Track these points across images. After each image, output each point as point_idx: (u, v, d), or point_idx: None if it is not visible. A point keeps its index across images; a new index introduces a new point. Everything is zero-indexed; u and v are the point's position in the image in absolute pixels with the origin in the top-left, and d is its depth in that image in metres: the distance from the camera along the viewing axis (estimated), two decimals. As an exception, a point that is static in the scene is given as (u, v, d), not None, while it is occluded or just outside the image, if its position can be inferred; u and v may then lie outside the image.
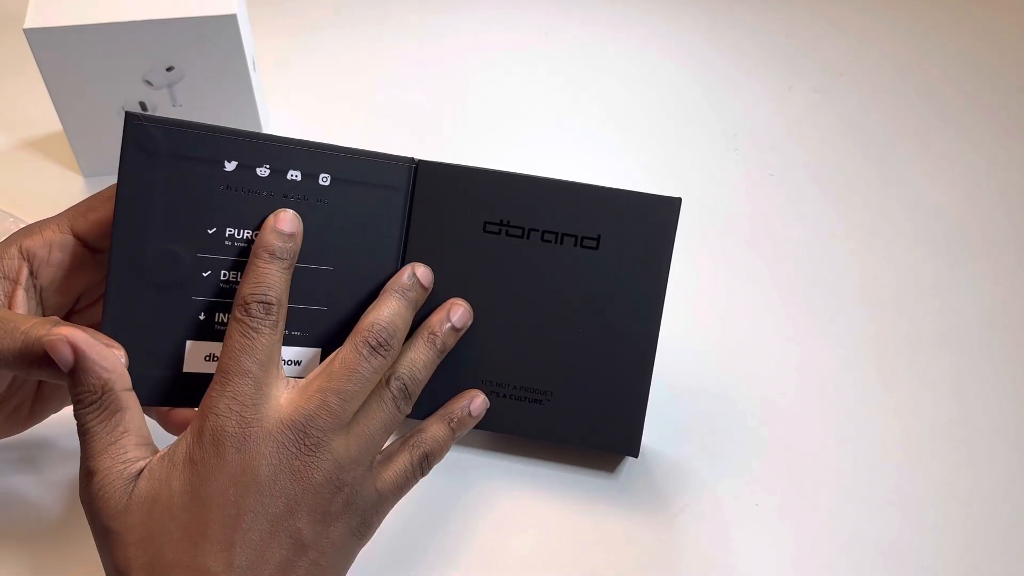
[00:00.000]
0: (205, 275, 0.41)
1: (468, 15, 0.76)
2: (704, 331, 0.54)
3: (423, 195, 0.44)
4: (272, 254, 0.39)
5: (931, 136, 0.68)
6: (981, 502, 0.48)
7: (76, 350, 0.35)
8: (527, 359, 0.45)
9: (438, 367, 0.44)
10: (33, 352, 0.36)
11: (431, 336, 0.43)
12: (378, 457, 0.41)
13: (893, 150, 0.66)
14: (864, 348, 0.54)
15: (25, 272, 0.40)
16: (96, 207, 0.41)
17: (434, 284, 0.44)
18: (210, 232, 0.41)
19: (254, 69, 0.60)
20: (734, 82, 0.71)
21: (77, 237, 0.41)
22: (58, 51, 0.54)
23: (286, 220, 0.40)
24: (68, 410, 0.46)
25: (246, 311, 0.38)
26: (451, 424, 0.44)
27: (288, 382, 0.39)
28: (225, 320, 0.41)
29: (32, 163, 0.63)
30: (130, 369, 0.38)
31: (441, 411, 0.44)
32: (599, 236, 0.44)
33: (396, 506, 0.42)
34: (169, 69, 0.56)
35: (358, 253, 0.43)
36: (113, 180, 0.40)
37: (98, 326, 0.39)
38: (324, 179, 0.42)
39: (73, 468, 0.47)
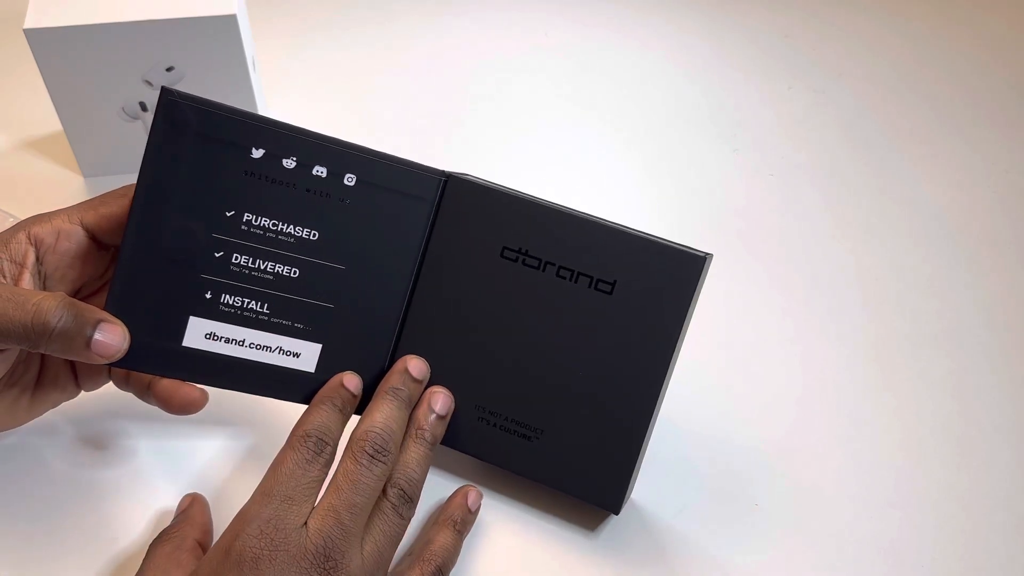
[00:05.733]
0: (217, 256, 0.42)
1: (468, 16, 0.76)
2: (703, 331, 0.54)
3: (448, 210, 0.43)
4: (333, 402, 0.41)
5: (930, 136, 0.68)
6: (981, 502, 0.48)
7: (191, 504, 0.44)
8: (523, 393, 0.44)
9: (433, 379, 0.44)
10: (42, 324, 0.37)
11: (419, 432, 0.42)
12: None
13: (893, 150, 0.67)
14: (864, 348, 0.54)
15: (32, 257, 0.41)
16: (108, 202, 0.42)
17: (445, 301, 0.44)
18: (228, 215, 0.42)
19: (254, 69, 0.60)
20: (734, 82, 0.71)
21: (86, 229, 0.42)
22: (58, 51, 0.54)
23: (352, 379, 0.42)
24: (70, 403, 0.46)
25: (304, 443, 0.39)
26: (456, 527, 0.44)
27: None
28: (231, 302, 0.42)
29: (32, 163, 0.63)
30: (131, 335, 0.40)
31: (442, 516, 0.44)
32: (615, 282, 0.42)
33: None
34: (169, 69, 0.56)
35: (373, 257, 0.43)
36: (115, 181, 0.40)
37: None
38: (349, 179, 0.43)
39: (74, 461, 0.47)
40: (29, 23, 0.53)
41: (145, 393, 0.44)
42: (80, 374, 0.45)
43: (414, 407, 0.43)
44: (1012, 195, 0.63)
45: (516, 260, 0.43)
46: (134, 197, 0.41)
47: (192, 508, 0.43)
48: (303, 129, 0.42)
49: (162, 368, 0.42)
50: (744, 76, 0.72)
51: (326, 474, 0.39)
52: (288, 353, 0.43)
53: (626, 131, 0.67)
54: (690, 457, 0.49)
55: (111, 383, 0.46)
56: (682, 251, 0.42)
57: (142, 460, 0.47)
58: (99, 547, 0.44)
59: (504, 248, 0.43)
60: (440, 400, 0.43)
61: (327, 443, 0.39)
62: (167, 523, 0.43)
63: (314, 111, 0.67)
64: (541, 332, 0.43)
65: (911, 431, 0.50)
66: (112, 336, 0.39)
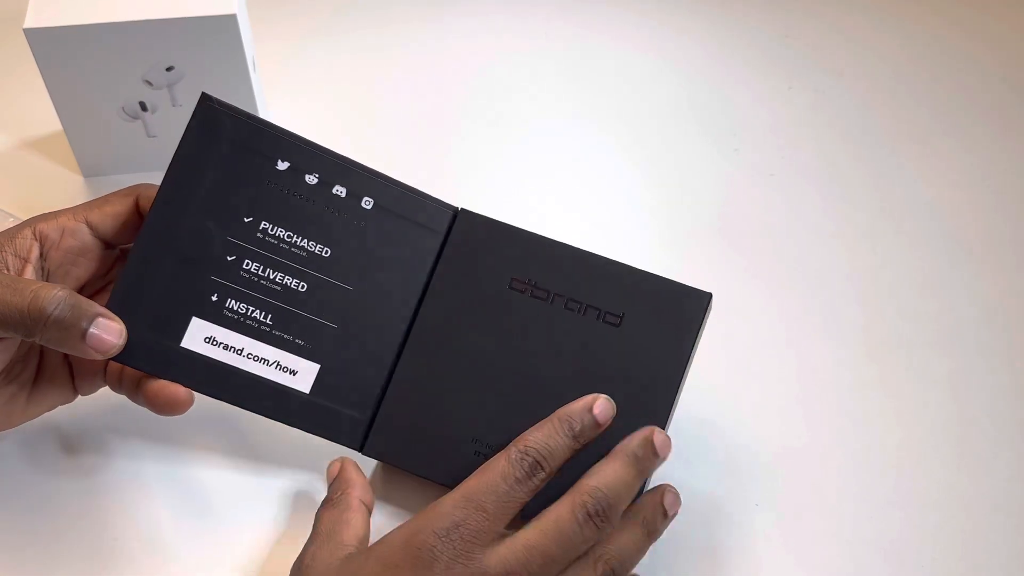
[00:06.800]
0: (230, 259, 0.42)
1: (469, 17, 0.76)
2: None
3: (456, 242, 0.44)
4: (571, 425, 0.39)
5: (930, 136, 0.68)
6: (981, 502, 0.48)
7: (343, 467, 0.43)
8: (523, 426, 0.42)
9: (430, 416, 0.43)
10: (39, 310, 0.37)
11: (650, 528, 0.39)
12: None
13: (893, 150, 0.66)
14: (863, 348, 0.54)
15: (36, 253, 0.41)
16: (113, 201, 0.43)
17: (447, 331, 0.43)
18: (246, 221, 0.42)
19: (254, 69, 0.60)
20: (734, 82, 0.71)
21: (90, 228, 0.42)
22: (58, 51, 0.54)
23: (606, 408, 0.40)
24: (68, 407, 0.46)
25: (521, 460, 0.38)
26: (645, 527, 0.40)
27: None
28: (236, 308, 0.42)
29: (32, 163, 0.63)
30: (131, 328, 0.40)
31: (631, 512, 0.40)
32: (623, 315, 0.43)
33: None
34: (169, 69, 0.56)
35: (381, 283, 0.43)
36: (115, 180, 0.41)
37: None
38: (367, 202, 0.43)
39: (67, 467, 0.47)
40: (29, 23, 0.53)
41: (135, 393, 0.44)
42: (77, 375, 0.45)
43: (646, 494, 0.41)
44: (1012, 195, 0.63)
45: (524, 292, 0.43)
46: (158, 191, 0.42)
47: (346, 471, 0.43)
48: (329, 150, 0.43)
49: (156, 367, 0.42)
50: (744, 76, 0.72)
51: (531, 498, 0.38)
52: (285, 369, 0.42)
53: (626, 130, 0.67)
54: (691, 456, 0.49)
55: (106, 387, 0.46)
56: (688, 289, 0.43)
57: (137, 467, 0.47)
58: (96, 552, 0.44)
59: (512, 279, 0.44)
60: (671, 499, 0.41)
61: (543, 469, 0.38)
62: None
63: (314, 111, 0.67)
64: (546, 364, 0.43)
65: (911, 431, 0.50)
66: (109, 331, 0.39)
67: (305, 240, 0.43)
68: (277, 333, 0.42)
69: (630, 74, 0.72)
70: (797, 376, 0.53)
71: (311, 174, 0.43)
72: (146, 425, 0.48)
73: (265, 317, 0.42)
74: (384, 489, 0.46)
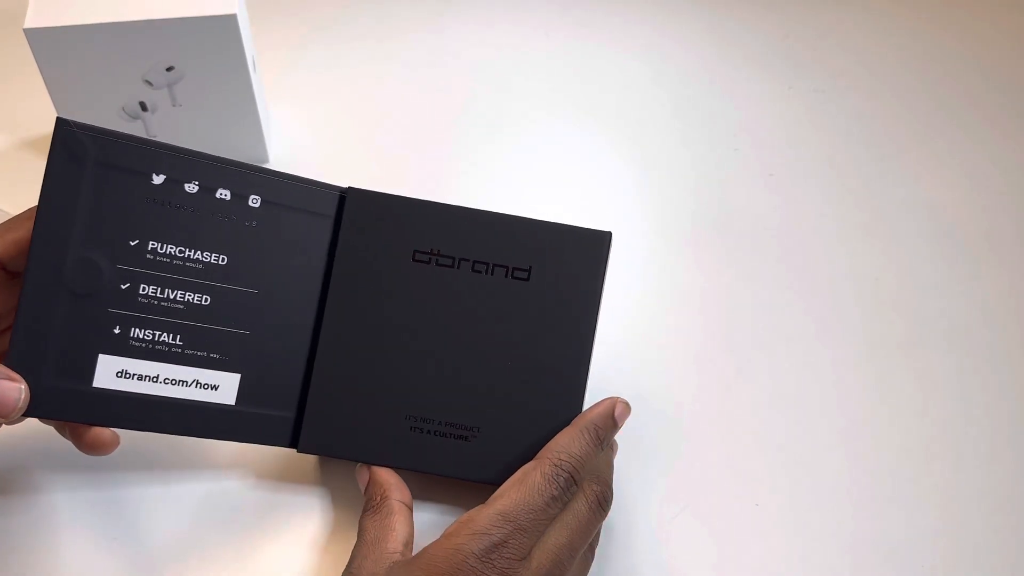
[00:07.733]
0: (124, 287, 0.40)
1: (470, 21, 0.76)
2: (704, 331, 0.54)
3: (351, 223, 0.44)
4: (598, 435, 0.41)
5: (931, 136, 0.68)
6: (981, 502, 0.48)
7: (373, 470, 0.43)
8: (454, 393, 0.43)
9: (359, 400, 0.43)
10: None
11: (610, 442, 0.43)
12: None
13: (892, 150, 0.66)
14: (864, 348, 0.54)
15: None
16: (14, 227, 0.40)
17: (360, 314, 0.43)
18: (132, 244, 0.40)
19: (254, 69, 0.60)
20: (734, 82, 0.71)
21: None
22: (58, 51, 0.54)
23: (626, 412, 0.42)
24: (15, 428, 0.44)
25: (556, 476, 0.39)
26: (593, 432, 0.42)
27: None
28: (142, 336, 0.41)
29: (32, 163, 0.63)
30: (38, 379, 0.38)
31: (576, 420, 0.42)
32: (530, 268, 0.43)
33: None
34: (169, 69, 0.56)
35: (284, 278, 0.43)
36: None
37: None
38: (254, 200, 0.42)
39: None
40: (29, 23, 0.53)
41: (62, 427, 0.43)
42: None
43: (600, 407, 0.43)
44: (1013, 195, 0.63)
45: (429, 262, 0.44)
46: (33, 233, 0.39)
47: (377, 474, 0.43)
48: (203, 153, 0.41)
49: (72, 414, 0.40)
50: (744, 76, 0.72)
51: (564, 509, 0.39)
52: (205, 386, 0.41)
53: (626, 132, 0.67)
54: (690, 456, 0.49)
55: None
56: (589, 231, 0.44)
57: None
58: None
59: (415, 252, 0.44)
60: (621, 409, 0.44)
61: (575, 482, 0.39)
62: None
63: (315, 111, 0.67)
64: (464, 329, 0.43)
65: (911, 431, 0.50)
66: (9, 392, 0.37)
67: (198, 252, 0.41)
68: (190, 352, 0.41)
69: (630, 76, 0.72)
70: (797, 375, 0.53)
71: (190, 182, 0.41)
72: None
73: (174, 339, 0.41)
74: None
